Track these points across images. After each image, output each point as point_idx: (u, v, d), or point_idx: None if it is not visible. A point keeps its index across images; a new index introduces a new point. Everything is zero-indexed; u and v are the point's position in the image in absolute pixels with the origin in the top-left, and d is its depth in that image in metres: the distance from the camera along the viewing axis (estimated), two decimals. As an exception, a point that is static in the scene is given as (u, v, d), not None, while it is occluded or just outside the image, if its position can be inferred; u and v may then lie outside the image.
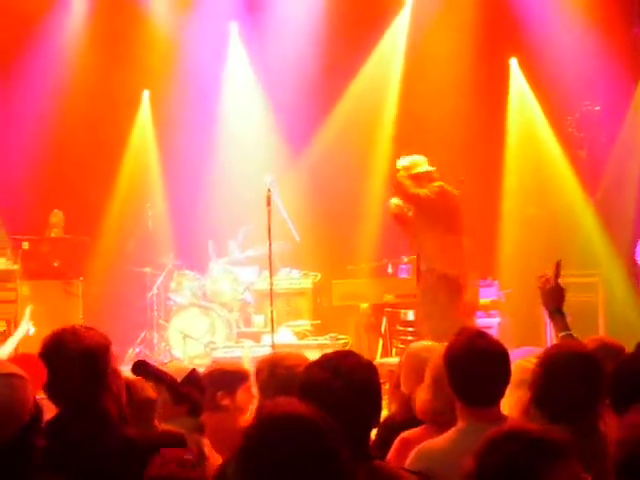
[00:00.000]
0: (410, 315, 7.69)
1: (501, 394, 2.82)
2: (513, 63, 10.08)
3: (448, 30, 9.88)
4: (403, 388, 3.57)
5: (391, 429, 3.38)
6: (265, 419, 1.92)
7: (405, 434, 3.18)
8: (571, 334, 3.28)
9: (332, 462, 1.88)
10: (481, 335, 2.87)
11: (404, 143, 9.92)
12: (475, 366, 2.74)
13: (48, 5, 10.20)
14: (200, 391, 3.28)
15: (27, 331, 4.71)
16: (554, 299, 3.38)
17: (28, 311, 5.01)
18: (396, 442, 3.16)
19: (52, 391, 2.59)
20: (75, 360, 2.58)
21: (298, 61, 9.82)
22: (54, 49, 10.17)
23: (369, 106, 10.20)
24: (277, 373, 3.27)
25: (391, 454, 3.11)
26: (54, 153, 9.87)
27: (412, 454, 2.78)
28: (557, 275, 3.42)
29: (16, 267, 8.84)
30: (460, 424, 2.79)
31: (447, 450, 2.69)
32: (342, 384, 2.34)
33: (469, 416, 2.76)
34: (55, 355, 2.58)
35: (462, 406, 2.79)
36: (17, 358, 2.63)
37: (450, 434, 2.79)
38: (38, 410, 2.19)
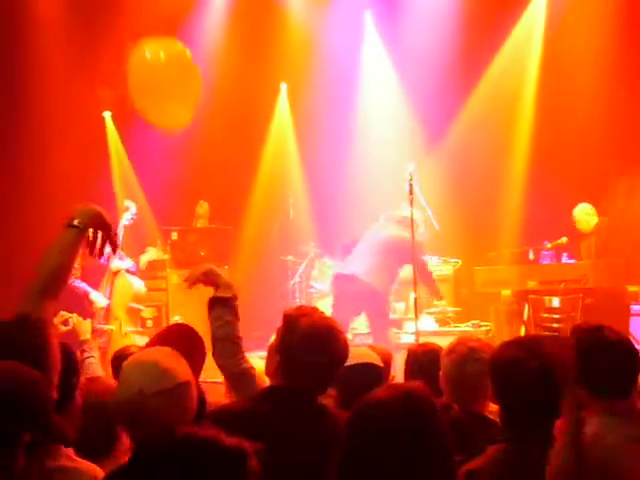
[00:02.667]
0: (555, 302, 7.55)
1: (632, 386, 2.77)
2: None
3: (588, 6, 9.55)
4: None
5: None
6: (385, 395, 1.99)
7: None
8: None
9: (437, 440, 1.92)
10: (600, 328, 2.83)
11: (545, 125, 9.73)
12: (603, 360, 2.71)
13: (190, 2, 10.56)
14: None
15: None
16: None
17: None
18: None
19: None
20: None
21: (434, 47, 9.74)
22: (195, 43, 10.50)
23: (507, 89, 10.02)
24: (459, 350, 3.25)
25: None
26: (199, 147, 10.22)
27: None
28: None
29: (166, 257, 9.24)
30: (597, 418, 2.70)
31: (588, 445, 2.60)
32: (536, 366, 2.35)
33: (605, 411, 2.70)
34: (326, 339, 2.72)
35: (596, 402, 2.71)
36: (175, 329, 2.73)
37: (587, 429, 2.71)
38: (202, 406, 2.27)
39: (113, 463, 2.64)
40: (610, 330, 2.83)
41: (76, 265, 8.10)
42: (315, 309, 2.89)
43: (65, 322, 4.54)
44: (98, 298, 7.69)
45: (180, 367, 2.22)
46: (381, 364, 3.36)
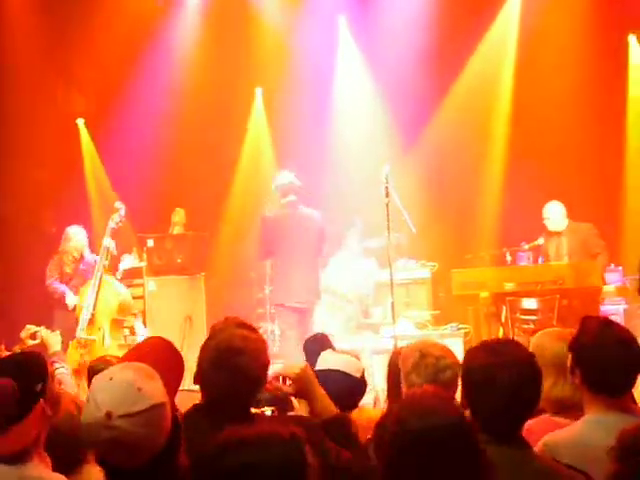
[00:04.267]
0: (532, 303, 7.56)
1: (632, 383, 2.78)
2: (632, 40, 9.73)
3: (562, 8, 9.61)
4: None
5: None
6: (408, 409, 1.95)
7: (527, 424, 3.12)
8: None
9: (472, 456, 1.90)
10: (609, 323, 2.83)
11: (520, 128, 9.77)
12: (606, 354, 2.69)
13: (164, 7, 10.51)
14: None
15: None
16: None
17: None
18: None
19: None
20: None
21: (408, 50, 9.74)
22: (169, 49, 10.46)
23: (483, 91, 10.06)
24: (426, 362, 3.20)
25: None
26: (174, 153, 10.17)
27: (538, 447, 2.72)
28: None
29: (143, 264, 9.16)
30: (588, 414, 2.74)
31: (575, 442, 2.65)
32: (504, 369, 2.34)
33: (598, 406, 2.71)
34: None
35: (590, 395, 2.74)
36: (151, 343, 2.49)
37: (578, 425, 2.74)
38: (177, 428, 2.06)
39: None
40: (618, 326, 2.84)
41: (51, 267, 8.00)
42: (241, 324, 2.72)
43: (33, 336, 4.44)
44: (70, 300, 7.61)
45: (155, 386, 2.02)
46: (357, 375, 3.28)
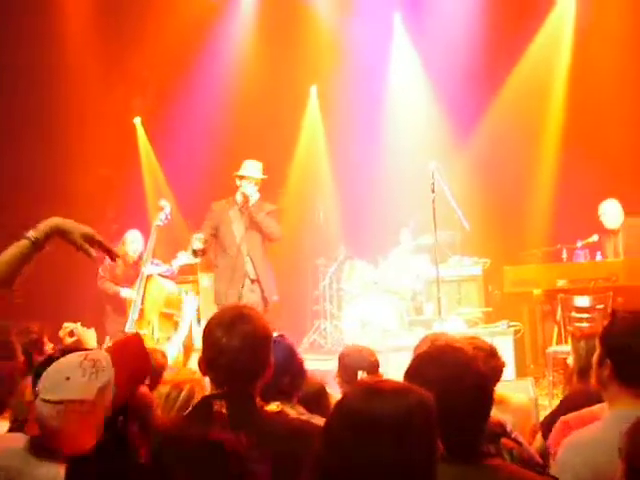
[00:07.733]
0: (585, 301, 7.44)
1: None
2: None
3: (619, 4, 9.46)
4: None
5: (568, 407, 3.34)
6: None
7: (566, 417, 3.04)
8: None
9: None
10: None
11: (574, 125, 9.64)
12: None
13: (218, 6, 10.64)
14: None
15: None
16: None
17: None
18: (557, 425, 3.04)
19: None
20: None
21: (462, 46, 9.72)
22: (224, 49, 10.58)
23: (536, 89, 9.99)
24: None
25: (551, 437, 3.03)
26: (229, 151, 10.27)
27: (561, 446, 2.65)
28: None
29: (197, 260, 9.27)
30: (613, 409, 2.65)
31: (600, 439, 2.50)
32: (445, 377, 2.17)
33: (627, 398, 2.62)
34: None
35: (619, 388, 2.64)
36: (127, 339, 2.45)
37: (604, 421, 2.65)
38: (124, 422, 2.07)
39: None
40: None
41: (103, 268, 8.14)
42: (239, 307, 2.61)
43: (70, 333, 4.51)
44: (125, 292, 7.76)
45: (86, 382, 2.02)
46: None
